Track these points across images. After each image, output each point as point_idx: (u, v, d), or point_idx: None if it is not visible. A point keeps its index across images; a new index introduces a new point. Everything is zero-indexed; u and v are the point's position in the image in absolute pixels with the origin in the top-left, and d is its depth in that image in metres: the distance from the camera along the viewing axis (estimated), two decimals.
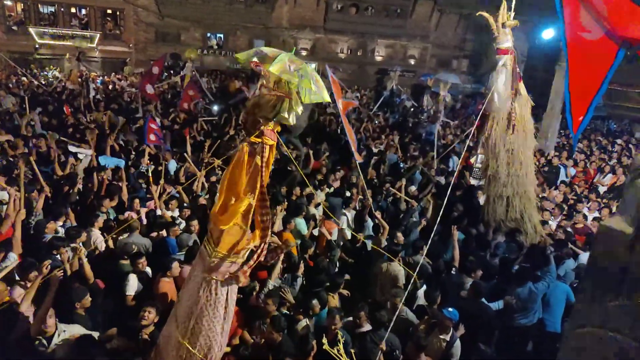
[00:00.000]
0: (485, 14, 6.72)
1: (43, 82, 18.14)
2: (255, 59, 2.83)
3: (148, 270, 5.32)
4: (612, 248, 1.42)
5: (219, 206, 3.05)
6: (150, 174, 7.50)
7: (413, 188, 8.65)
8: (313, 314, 4.72)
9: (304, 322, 4.62)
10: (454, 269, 5.99)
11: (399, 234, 6.38)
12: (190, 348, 3.23)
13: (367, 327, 4.68)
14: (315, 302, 4.72)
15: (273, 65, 2.71)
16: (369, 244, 6.18)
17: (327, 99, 2.94)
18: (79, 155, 8.56)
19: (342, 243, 6.79)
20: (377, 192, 8.22)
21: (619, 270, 1.40)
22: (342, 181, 9.08)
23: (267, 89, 2.88)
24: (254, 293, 5.01)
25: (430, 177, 9.19)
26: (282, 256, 5.10)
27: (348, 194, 8.22)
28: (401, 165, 10.61)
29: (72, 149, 8.65)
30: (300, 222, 6.79)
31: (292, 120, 2.94)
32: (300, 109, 2.90)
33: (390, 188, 8.32)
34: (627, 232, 1.36)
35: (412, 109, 18.82)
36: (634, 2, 4.32)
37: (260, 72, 2.90)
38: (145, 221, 6.55)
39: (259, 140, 2.92)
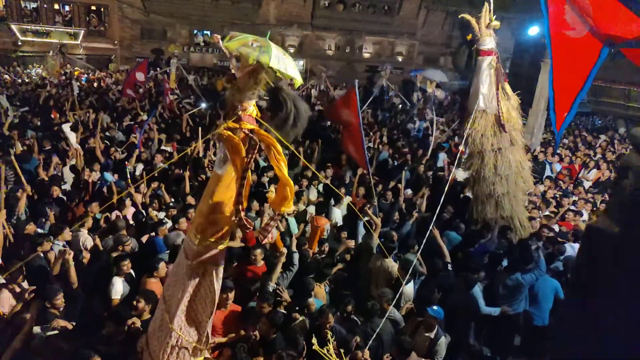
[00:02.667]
0: (467, 16, 6.74)
1: (26, 80, 17.83)
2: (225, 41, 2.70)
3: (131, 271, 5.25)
4: (599, 247, 1.44)
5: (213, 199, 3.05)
6: (128, 174, 7.50)
7: (409, 192, 8.65)
8: (309, 312, 4.72)
9: (300, 319, 4.61)
10: (449, 265, 6.04)
11: (394, 233, 6.39)
12: (178, 332, 3.23)
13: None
14: (311, 300, 4.72)
15: (232, 40, 2.61)
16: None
17: (300, 80, 2.80)
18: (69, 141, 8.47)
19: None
20: (370, 192, 8.19)
21: (606, 269, 1.42)
22: (332, 178, 9.07)
23: (241, 69, 2.76)
24: (257, 294, 4.98)
25: (422, 177, 9.23)
26: (283, 258, 5.10)
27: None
28: (395, 164, 10.61)
29: (64, 128, 8.52)
30: (291, 221, 6.79)
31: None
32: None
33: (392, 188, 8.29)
34: (614, 231, 1.37)
35: (400, 106, 18.90)
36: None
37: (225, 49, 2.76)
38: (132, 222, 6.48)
39: (237, 125, 2.86)
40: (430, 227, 5.51)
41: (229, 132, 2.84)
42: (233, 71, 2.83)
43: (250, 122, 2.89)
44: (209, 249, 3.12)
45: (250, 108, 2.90)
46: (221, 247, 3.18)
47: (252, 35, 2.75)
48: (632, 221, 1.28)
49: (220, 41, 2.72)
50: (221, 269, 3.33)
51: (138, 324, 4.07)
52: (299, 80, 2.81)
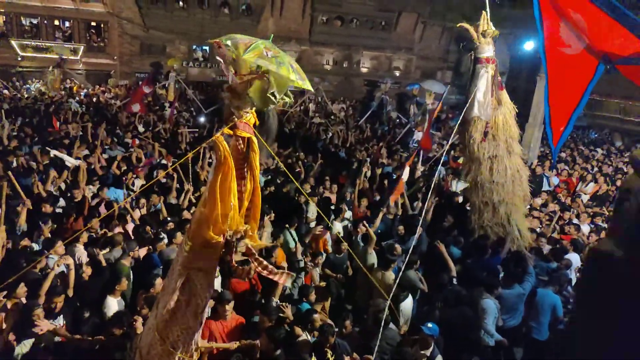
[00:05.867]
0: (466, 25, 6.83)
1: (26, 95, 17.89)
2: (227, 42, 2.66)
3: None
4: (602, 269, 1.45)
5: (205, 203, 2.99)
6: (125, 190, 7.51)
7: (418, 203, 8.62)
8: (312, 328, 4.65)
9: (303, 336, 4.55)
10: (454, 279, 6.01)
11: (397, 246, 6.38)
12: (160, 338, 3.18)
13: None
14: (315, 316, 4.68)
15: (247, 51, 2.57)
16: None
17: (310, 87, 2.85)
18: (67, 163, 8.46)
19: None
20: (373, 206, 8.17)
21: (610, 291, 1.42)
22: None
23: (239, 76, 2.73)
24: (259, 307, 4.93)
25: (421, 189, 9.25)
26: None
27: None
28: (394, 177, 10.61)
29: (55, 153, 8.51)
30: (288, 236, 6.78)
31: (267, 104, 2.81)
32: (279, 97, 2.73)
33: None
34: (616, 254, 1.38)
35: (397, 119, 19.01)
36: (612, 17, 4.44)
37: (223, 55, 2.74)
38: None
39: (231, 132, 2.84)
40: (417, 234, 5.49)
41: (221, 140, 2.79)
42: (230, 79, 2.81)
43: (247, 130, 2.86)
44: (199, 256, 3.07)
45: (248, 115, 2.86)
46: (210, 255, 3.10)
47: (254, 38, 2.71)
48: (636, 244, 1.29)
49: (224, 47, 2.68)
50: (212, 280, 3.28)
51: (139, 322, 4.10)
52: (310, 87, 2.85)
